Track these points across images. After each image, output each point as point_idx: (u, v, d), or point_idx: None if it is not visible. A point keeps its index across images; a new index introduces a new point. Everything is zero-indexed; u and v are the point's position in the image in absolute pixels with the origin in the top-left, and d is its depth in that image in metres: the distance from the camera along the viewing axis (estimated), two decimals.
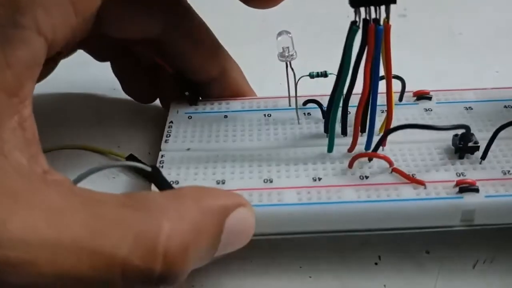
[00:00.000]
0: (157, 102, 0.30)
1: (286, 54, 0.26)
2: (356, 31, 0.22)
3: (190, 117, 0.28)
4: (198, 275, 0.23)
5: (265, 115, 0.28)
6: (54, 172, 0.19)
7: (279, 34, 0.25)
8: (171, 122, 0.27)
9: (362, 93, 0.23)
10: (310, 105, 0.28)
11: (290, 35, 0.26)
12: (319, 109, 0.27)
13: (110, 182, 0.26)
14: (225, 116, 0.28)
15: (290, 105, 0.28)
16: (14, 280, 0.16)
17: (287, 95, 0.28)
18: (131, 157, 0.27)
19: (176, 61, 0.28)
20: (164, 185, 0.22)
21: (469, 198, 0.22)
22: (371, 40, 0.22)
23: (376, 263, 0.24)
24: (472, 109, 0.27)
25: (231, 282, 0.23)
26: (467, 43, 0.35)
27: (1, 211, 0.16)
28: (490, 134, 0.24)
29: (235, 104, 0.29)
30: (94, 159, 0.27)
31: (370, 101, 0.24)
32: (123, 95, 0.30)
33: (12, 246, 0.16)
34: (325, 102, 0.28)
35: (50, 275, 0.16)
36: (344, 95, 0.24)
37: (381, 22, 0.22)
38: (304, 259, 0.24)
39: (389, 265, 0.24)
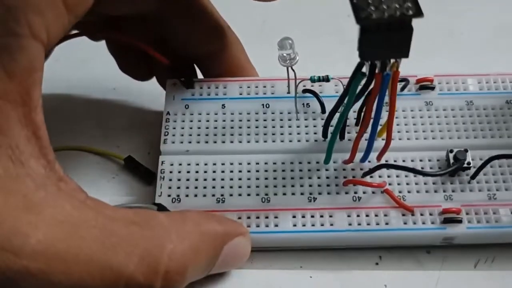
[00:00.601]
0: (157, 102, 0.29)
1: (288, 59, 0.24)
2: (361, 79, 0.21)
3: (187, 107, 0.27)
4: None
5: (263, 105, 0.27)
6: (69, 180, 0.20)
7: (280, 45, 0.24)
8: (168, 113, 0.27)
9: (360, 130, 0.23)
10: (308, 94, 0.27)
11: (291, 42, 0.24)
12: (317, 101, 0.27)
13: (110, 182, 0.27)
14: (223, 106, 0.27)
15: (289, 92, 0.27)
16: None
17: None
18: (129, 159, 0.27)
19: (174, 36, 0.27)
20: None
21: (452, 229, 0.24)
22: (376, 86, 0.21)
23: (377, 263, 0.25)
24: (472, 103, 0.27)
25: (231, 282, 0.24)
26: (468, 43, 0.33)
27: (23, 225, 0.18)
28: (486, 142, 0.26)
29: (233, 89, 0.28)
30: (92, 160, 0.27)
31: (371, 127, 0.23)
32: (123, 95, 0.29)
33: (34, 258, 0.18)
34: (324, 88, 0.27)
35: (64, 285, 0.19)
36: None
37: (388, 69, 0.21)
38: (305, 259, 0.25)
39: (390, 265, 0.24)
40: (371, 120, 0.23)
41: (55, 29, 0.19)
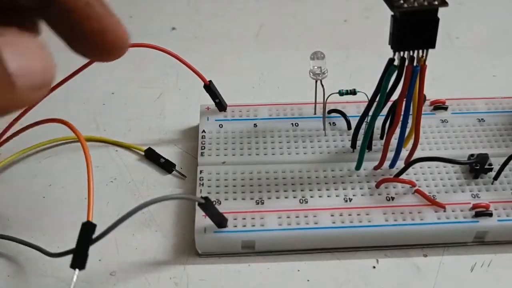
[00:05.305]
0: (156, 104, 0.31)
1: (318, 72, 0.27)
2: (394, 71, 0.23)
3: (221, 126, 0.29)
4: (195, 278, 0.24)
5: (292, 124, 0.29)
6: None
7: (313, 57, 0.26)
8: (204, 131, 0.29)
9: (393, 124, 0.25)
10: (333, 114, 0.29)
11: (323, 56, 0.27)
12: (342, 118, 0.29)
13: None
14: (255, 125, 0.29)
15: (315, 113, 0.30)
16: None
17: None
18: (149, 151, 0.29)
19: None
20: (215, 216, 0.24)
21: (484, 222, 0.25)
22: (407, 78, 0.24)
23: (374, 267, 0.25)
24: (484, 120, 0.29)
25: (227, 286, 0.24)
26: (464, 47, 0.36)
27: None
28: (502, 151, 0.27)
29: (263, 111, 0.30)
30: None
31: (400, 128, 0.25)
32: (123, 97, 0.31)
33: None
34: (347, 109, 0.29)
35: None
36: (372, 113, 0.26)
37: (416, 62, 0.23)
38: (302, 263, 0.25)
39: (387, 269, 0.25)
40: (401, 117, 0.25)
41: None
